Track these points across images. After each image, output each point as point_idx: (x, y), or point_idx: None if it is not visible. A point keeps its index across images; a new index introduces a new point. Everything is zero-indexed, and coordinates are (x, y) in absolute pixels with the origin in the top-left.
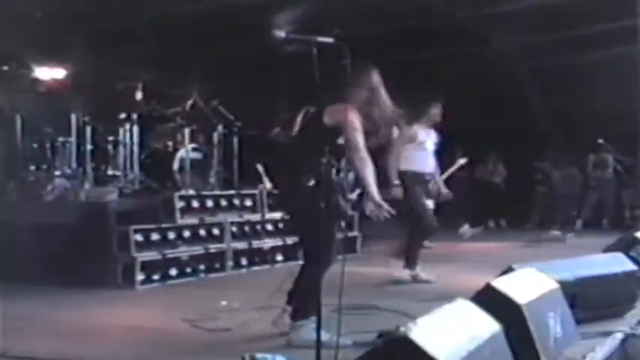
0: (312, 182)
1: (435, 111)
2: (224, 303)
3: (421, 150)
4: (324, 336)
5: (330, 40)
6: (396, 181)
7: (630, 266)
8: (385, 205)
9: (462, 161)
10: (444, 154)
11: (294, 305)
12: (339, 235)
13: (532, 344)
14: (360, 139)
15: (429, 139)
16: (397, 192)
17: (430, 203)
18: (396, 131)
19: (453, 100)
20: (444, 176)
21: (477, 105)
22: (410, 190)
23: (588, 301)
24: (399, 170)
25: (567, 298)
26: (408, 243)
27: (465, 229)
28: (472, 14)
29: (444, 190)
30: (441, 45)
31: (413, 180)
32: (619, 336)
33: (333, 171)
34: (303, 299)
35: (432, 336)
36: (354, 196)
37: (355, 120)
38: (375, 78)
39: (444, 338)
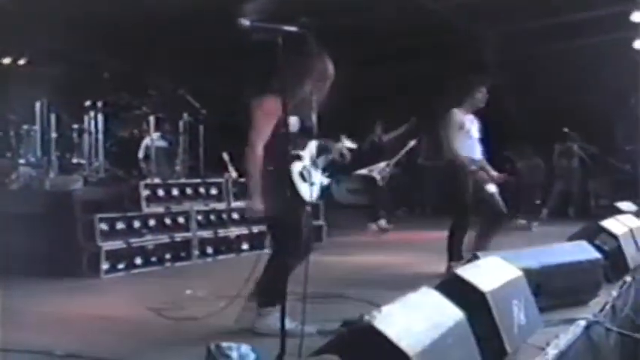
0: (270, 169)
1: (479, 95)
2: (188, 292)
3: (468, 138)
4: (289, 324)
5: (294, 29)
6: (473, 167)
7: (594, 254)
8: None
9: (411, 143)
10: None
11: (261, 292)
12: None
13: (496, 332)
14: (254, 135)
15: (472, 126)
16: (481, 175)
17: (492, 187)
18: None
19: (419, 88)
20: (395, 160)
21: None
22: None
23: (552, 289)
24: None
25: (531, 286)
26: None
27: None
28: (443, 4)
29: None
30: (410, 35)
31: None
32: (582, 323)
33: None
34: (269, 287)
35: (396, 324)
36: (326, 181)
37: (259, 114)
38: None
39: (408, 326)
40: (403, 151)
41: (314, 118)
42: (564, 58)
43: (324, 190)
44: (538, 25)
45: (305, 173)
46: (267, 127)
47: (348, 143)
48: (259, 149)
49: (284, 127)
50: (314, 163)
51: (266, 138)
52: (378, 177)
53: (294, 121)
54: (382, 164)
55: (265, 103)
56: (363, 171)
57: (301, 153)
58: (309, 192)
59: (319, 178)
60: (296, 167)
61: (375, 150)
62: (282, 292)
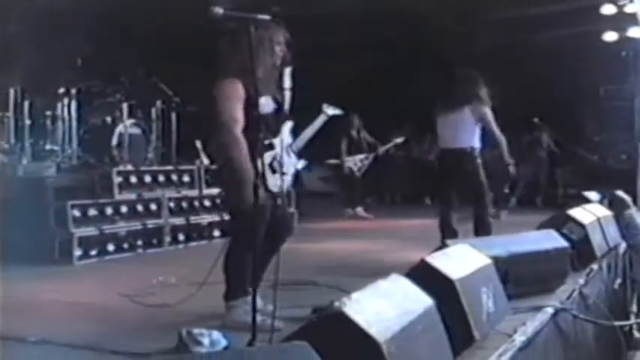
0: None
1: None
2: (160, 279)
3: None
4: (257, 318)
5: (267, 17)
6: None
7: (562, 243)
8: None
9: (398, 140)
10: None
11: (226, 285)
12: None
13: (465, 319)
14: (228, 121)
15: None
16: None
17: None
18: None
19: (393, 81)
20: (381, 152)
21: (416, 85)
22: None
23: (520, 277)
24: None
25: (500, 274)
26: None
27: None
28: None
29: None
30: (382, 25)
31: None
32: (549, 311)
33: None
34: (232, 279)
35: (365, 311)
36: (300, 165)
37: (225, 92)
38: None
39: (377, 313)
40: (389, 145)
41: (287, 97)
42: (535, 49)
43: (298, 174)
44: (508, 16)
45: (276, 164)
46: (236, 112)
47: (330, 110)
48: (238, 133)
49: (254, 110)
50: (287, 149)
51: (241, 122)
52: (354, 168)
53: (265, 102)
54: (360, 156)
55: (225, 86)
56: (337, 161)
57: (274, 141)
58: (278, 184)
59: (292, 166)
60: (266, 158)
61: (353, 145)
62: (243, 285)
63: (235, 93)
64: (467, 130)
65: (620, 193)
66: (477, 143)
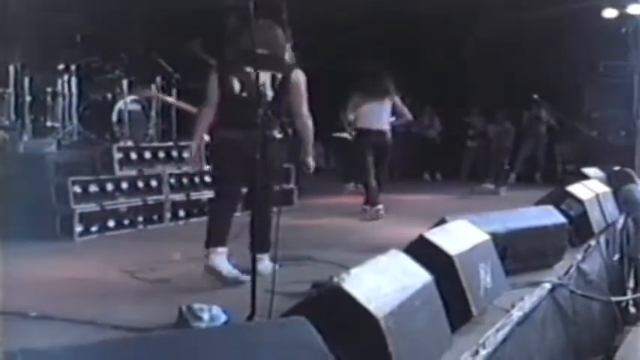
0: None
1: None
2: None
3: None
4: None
5: None
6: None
7: (560, 219)
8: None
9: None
10: None
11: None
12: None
13: (463, 294)
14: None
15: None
16: None
17: None
18: None
19: (393, 57)
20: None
21: (413, 60)
22: None
23: (518, 253)
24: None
25: (498, 250)
26: None
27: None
28: None
29: None
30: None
31: None
32: (547, 286)
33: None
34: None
35: (364, 286)
36: None
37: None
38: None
39: (376, 289)
40: None
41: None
42: (535, 25)
43: None
44: None
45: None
46: None
47: None
48: None
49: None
50: None
51: None
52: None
53: None
54: None
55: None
56: (344, 134)
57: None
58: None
59: None
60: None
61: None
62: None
63: None
64: (387, 115)
65: (619, 168)
66: None
